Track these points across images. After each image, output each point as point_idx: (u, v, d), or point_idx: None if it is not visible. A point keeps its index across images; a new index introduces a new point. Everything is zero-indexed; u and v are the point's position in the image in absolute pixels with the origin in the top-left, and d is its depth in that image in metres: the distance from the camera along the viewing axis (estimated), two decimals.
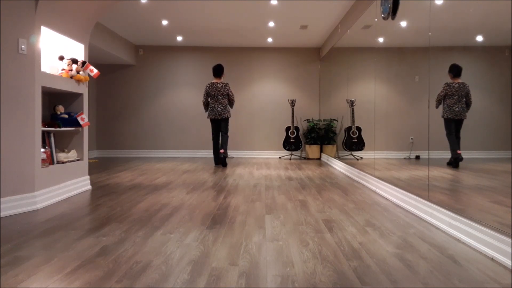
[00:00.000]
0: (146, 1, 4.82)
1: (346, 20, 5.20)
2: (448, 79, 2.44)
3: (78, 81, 3.48)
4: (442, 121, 2.53)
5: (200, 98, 7.40)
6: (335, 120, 6.15)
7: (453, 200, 2.35)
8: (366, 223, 2.42)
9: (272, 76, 7.46)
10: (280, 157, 7.31)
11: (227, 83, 5.62)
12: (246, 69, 7.43)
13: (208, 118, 5.75)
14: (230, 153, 7.38)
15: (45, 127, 3.10)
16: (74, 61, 3.39)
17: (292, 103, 6.97)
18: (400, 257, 1.80)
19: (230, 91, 5.61)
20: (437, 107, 2.53)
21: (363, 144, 4.56)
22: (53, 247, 1.94)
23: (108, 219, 2.50)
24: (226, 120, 5.63)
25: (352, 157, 4.97)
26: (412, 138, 3.06)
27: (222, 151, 5.56)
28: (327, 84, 6.75)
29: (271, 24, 5.81)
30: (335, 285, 1.49)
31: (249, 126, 7.47)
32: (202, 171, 5.10)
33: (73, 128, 3.46)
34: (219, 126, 5.68)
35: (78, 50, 3.58)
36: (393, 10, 3.22)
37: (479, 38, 2.11)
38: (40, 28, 2.90)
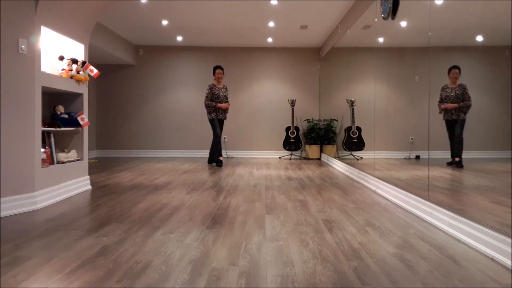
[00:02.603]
0: (146, 1, 4.82)
1: (346, 20, 5.20)
2: (447, 80, 2.43)
3: (78, 81, 3.48)
4: (441, 121, 2.53)
5: (200, 98, 7.41)
6: (335, 120, 6.15)
7: (453, 200, 2.35)
8: (366, 223, 2.42)
9: (272, 76, 7.46)
10: (280, 157, 7.31)
11: (210, 84, 5.73)
12: (246, 69, 7.43)
13: None
14: (230, 153, 7.38)
15: (45, 127, 3.10)
16: (74, 61, 3.39)
17: (292, 103, 6.97)
18: (400, 257, 1.80)
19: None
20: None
21: (363, 144, 4.56)
22: (53, 247, 1.94)
23: (108, 219, 2.50)
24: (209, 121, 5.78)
25: (352, 157, 4.97)
26: (412, 138, 3.06)
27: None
28: (327, 84, 6.75)
29: (271, 24, 5.82)
30: (335, 285, 1.49)
31: (249, 126, 7.47)
32: (202, 171, 5.10)
33: (73, 128, 3.46)
34: None
35: (78, 50, 3.58)
36: (393, 10, 3.22)
37: (479, 38, 2.11)
38: (40, 28, 2.90)
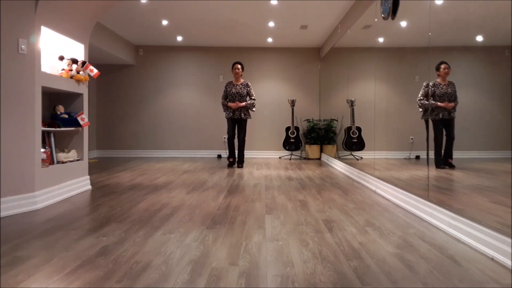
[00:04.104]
0: (146, 1, 4.82)
1: (346, 20, 5.20)
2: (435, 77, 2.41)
3: (78, 81, 3.48)
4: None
5: (200, 97, 7.41)
6: (335, 120, 6.15)
7: (453, 200, 2.35)
8: (366, 223, 2.42)
9: (272, 76, 7.46)
10: (280, 157, 7.31)
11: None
12: (246, 69, 7.41)
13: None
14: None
15: (45, 127, 3.10)
16: (74, 61, 3.39)
17: (292, 103, 6.97)
18: (400, 257, 1.80)
19: None
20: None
21: (363, 144, 4.56)
22: (53, 247, 1.94)
23: (108, 219, 2.50)
24: None
25: (352, 157, 4.97)
26: (412, 138, 3.06)
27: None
28: (327, 84, 6.75)
29: (271, 24, 5.81)
30: (335, 285, 1.49)
31: (249, 126, 7.44)
32: (202, 171, 5.10)
33: (73, 128, 3.46)
34: None
35: (78, 50, 3.58)
36: (393, 10, 3.22)
37: (479, 38, 2.11)
38: (40, 28, 2.90)
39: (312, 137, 6.99)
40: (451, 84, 2.34)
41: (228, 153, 5.65)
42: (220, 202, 3.07)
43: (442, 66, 2.36)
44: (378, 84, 3.75)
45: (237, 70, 5.49)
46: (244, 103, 5.45)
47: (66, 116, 3.42)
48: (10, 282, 1.51)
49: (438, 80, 2.40)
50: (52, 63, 3.31)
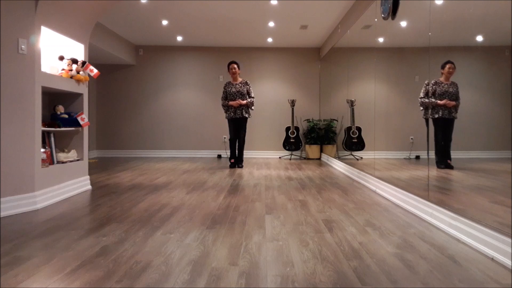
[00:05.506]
0: (146, 1, 4.82)
1: (346, 20, 5.20)
2: (438, 75, 2.41)
3: (78, 81, 3.48)
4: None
5: (200, 97, 7.41)
6: (335, 120, 6.15)
7: (453, 200, 2.35)
8: (366, 223, 2.42)
9: (272, 76, 7.46)
10: (280, 157, 7.31)
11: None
12: (246, 69, 7.42)
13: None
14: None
15: (45, 127, 3.10)
16: (74, 61, 3.39)
17: (292, 103, 6.97)
18: (400, 257, 1.80)
19: None
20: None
21: (363, 144, 4.56)
22: (53, 247, 1.94)
23: (108, 219, 2.50)
24: None
25: (352, 157, 4.97)
26: (412, 138, 3.06)
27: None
28: (327, 84, 6.75)
29: (271, 24, 5.81)
30: (335, 285, 1.49)
31: (249, 126, 7.44)
32: (202, 171, 5.10)
33: (73, 128, 3.46)
34: None
35: (78, 50, 3.58)
36: (393, 10, 3.22)
37: (479, 38, 2.11)
38: (40, 28, 2.90)
39: (312, 137, 6.99)
40: (453, 84, 2.33)
41: (229, 154, 5.64)
42: (220, 202, 3.07)
43: (448, 65, 2.36)
44: (378, 84, 3.75)
45: (233, 70, 5.46)
46: (245, 101, 5.42)
47: (66, 116, 3.42)
48: (10, 282, 1.51)
49: (441, 78, 2.39)
50: (52, 63, 3.31)
